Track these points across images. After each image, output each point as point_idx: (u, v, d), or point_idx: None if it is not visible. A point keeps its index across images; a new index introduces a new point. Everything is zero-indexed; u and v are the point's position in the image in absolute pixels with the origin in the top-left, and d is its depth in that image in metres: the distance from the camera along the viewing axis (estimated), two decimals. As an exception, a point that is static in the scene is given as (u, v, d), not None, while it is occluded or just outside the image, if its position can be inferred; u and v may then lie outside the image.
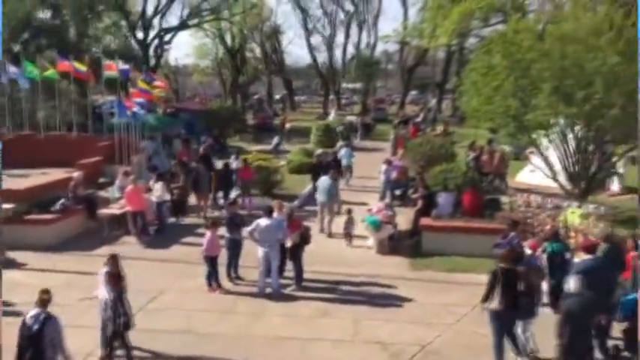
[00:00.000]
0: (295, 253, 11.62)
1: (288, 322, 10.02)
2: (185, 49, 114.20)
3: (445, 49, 48.88)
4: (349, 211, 14.79)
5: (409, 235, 14.46)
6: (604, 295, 8.58)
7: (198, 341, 9.25)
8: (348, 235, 14.40)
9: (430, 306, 10.57)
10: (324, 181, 15.82)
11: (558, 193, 15.73)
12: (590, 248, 9.13)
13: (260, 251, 11.21)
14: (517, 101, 14.61)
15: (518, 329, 8.67)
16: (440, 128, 31.07)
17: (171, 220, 16.22)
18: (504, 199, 15.19)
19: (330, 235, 15.00)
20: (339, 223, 14.97)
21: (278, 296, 11.07)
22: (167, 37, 48.76)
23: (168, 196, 16.02)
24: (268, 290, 11.21)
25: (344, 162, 21.37)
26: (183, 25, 48.63)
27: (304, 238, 11.79)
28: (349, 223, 14.45)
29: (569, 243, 11.62)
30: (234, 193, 17.75)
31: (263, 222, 11.23)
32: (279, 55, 62.70)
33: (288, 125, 35.91)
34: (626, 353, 8.80)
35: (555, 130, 15.12)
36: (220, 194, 17.91)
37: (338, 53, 63.77)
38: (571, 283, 8.07)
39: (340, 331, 9.66)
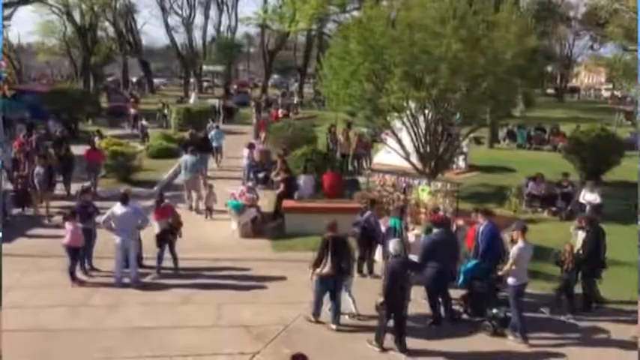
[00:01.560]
0: (163, 240, 11.25)
1: (148, 312, 9.69)
2: (29, 26, 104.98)
3: (305, 33, 49.56)
4: (210, 186, 15.36)
5: (272, 218, 14.58)
6: (449, 264, 9.39)
7: (49, 339, 8.65)
8: (209, 210, 15.00)
9: (293, 286, 10.75)
10: (186, 159, 15.85)
11: (411, 172, 16.66)
12: (438, 222, 9.86)
13: (117, 240, 10.69)
14: (372, 85, 15.14)
15: (344, 291, 9.40)
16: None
17: (16, 211, 14.95)
18: (362, 179, 15.77)
19: (198, 211, 15.50)
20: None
21: (137, 286, 10.66)
22: (7, 13, 44.43)
23: (9, 186, 14.72)
24: (126, 280, 10.75)
25: (214, 143, 21.36)
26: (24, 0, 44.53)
27: (174, 226, 11.43)
28: (210, 197, 15.01)
29: (419, 218, 12.42)
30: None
31: (118, 210, 10.71)
32: (134, 35, 59.73)
33: (133, 110, 31.92)
34: (464, 316, 9.65)
35: (407, 113, 15.91)
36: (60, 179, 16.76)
37: (198, 35, 62.26)
38: (393, 246, 8.73)
39: (203, 317, 9.53)
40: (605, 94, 64.44)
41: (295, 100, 46.76)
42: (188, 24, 60.52)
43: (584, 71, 79.96)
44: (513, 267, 8.83)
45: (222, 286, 10.77)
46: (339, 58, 15.93)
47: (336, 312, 9.23)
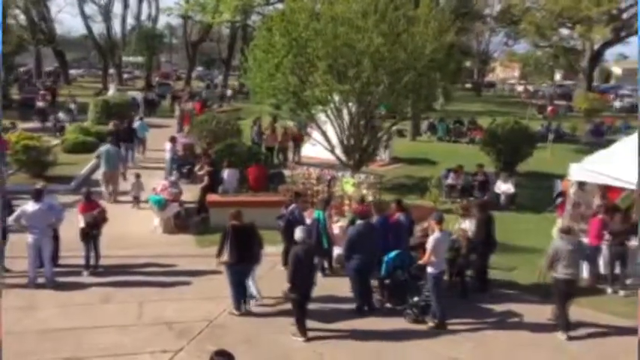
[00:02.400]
0: (87, 236, 10.83)
1: (65, 313, 9.30)
2: None
3: (229, 25, 48.87)
4: (138, 175, 15.25)
5: (196, 212, 14.34)
6: (373, 255, 9.59)
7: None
8: (136, 199, 14.90)
9: (217, 281, 10.55)
10: (107, 149, 15.65)
11: (336, 164, 16.83)
12: (363, 213, 10.03)
13: (29, 239, 10.18)
14: (296, 78, 15.17)
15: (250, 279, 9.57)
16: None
17: None
18: (287, 172, 15.78)
19: (115, 201, 15.35)
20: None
21: (52, 286, 10.20)
22: None
23: None
24: (41, 281, 10.26)
25: (139, 134, 21.02)
26: None
27: (98, 219, 11.01)
28: (137, 186, 14.94)
29: (344, 210, 12.58)
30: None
31: (30, 207, 10.19)
32: (48, 23, 56.83)
33: (41, 103, 30.49)
34: (387, 305, 9.90)
35: (331, 105, 16.05)
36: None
37: (117, 24, 60.04)
38: (297, 234, 8.88)
39: (124, 316, 9.25)
40: (519, 88, 67.50)
41: (229, 92, 46.12)
42: (106, 12, 58.23)
43: (500, 66, 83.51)
44: (432, 257, 9.10)
45: (144, 284, 10.49)
46: (263, 51, 15.84)
47: (240, 299, 9.41)
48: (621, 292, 10.78)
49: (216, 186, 14.42)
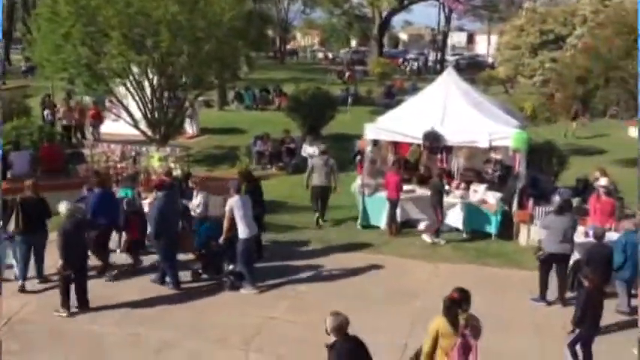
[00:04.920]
0: None
1: None
2: None
3: (6, -9, 43.60)
4: None
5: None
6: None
7: None
8: None
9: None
10: None
11: (141, 139, 16.16)
12: (160, 186, 9.77)
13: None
14: (87, 49, 14.16)
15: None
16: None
17: None
18: (86, 151, 14.80)
19: None
20: None
21: None
22: None
23: None
24: None
25: None
26: None
27: None
28: None
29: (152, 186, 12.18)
30: None
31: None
32: None
33: None
34: (204, 275, 9.94)
35: (130, 78, 15.29)
36: None
37: None
38: (63, 207, 8.80)
39: None
40: (320, 55, 70.30)
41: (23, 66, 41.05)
42: None
43: (300, 34, 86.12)
44: (240, 222, 9.23)
45: None
46: (46, 20, 14.52)
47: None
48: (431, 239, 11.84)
49: (5, 171, 13.00)
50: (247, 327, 8.32)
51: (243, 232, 9.34)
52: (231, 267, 9.67)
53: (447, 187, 11.93)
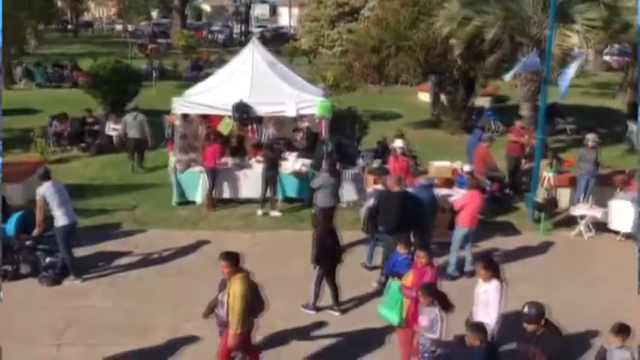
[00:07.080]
0: None
1: None
2: None
3: None
4: None
5: None
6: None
7: None
8: None
9: None
10: None
11: None
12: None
13: None
14: None
15: None
16: None
17: None
18: None
19: None
20: None
21: None
22: None
23: None
24: None
25: None
26: None
27: None
28: None
29: None
30: None
31: None
32: None
33: None
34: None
35: None
36: None
37: None
38: None
39: None
40: (119, 27, 66.27)
41: None
42: None
43: (94, 5, 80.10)
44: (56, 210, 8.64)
45: None
46: None
47: None
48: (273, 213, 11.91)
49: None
50: (58, 320, 7.83)
51: (61, 219, 8.69)
52: (48, 260, 8.95)
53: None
